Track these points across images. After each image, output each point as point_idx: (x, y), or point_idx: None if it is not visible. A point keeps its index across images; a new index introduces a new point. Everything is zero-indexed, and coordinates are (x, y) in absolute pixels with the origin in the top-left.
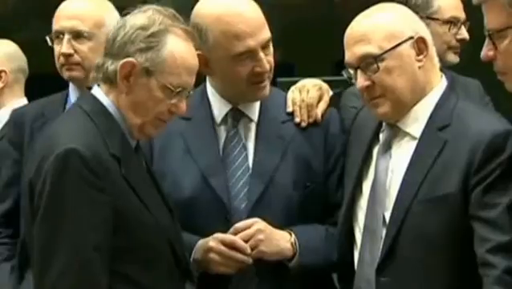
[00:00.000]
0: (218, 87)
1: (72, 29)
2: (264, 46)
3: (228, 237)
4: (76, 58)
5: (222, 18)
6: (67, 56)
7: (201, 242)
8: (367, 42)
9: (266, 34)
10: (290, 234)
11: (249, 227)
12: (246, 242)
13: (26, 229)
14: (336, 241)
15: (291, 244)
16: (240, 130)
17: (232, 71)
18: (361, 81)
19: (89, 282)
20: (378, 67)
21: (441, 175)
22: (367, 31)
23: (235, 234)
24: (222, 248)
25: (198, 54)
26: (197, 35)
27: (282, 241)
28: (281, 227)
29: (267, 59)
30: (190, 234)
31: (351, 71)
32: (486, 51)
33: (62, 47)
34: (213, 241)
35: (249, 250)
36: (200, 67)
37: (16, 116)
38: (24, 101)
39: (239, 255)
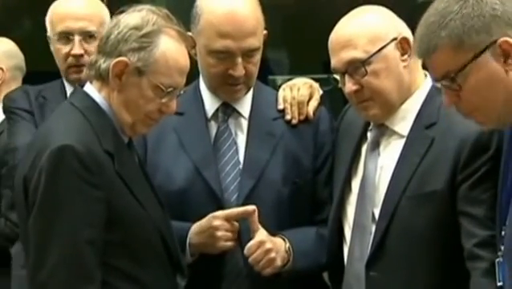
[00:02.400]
0: (204, 79)
1: (82, 30)
2: (246, 54)
3: (230, 212)
4: (86, 58)
5: (216, 12)
6: (78, 57)
7: (196, 226)
8: (352, 48)
9: (252, 43)
10: (284, 241)
11: (258, 247)
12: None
13: (21, 225)
14: (326, 241)
15: (286, 252)
16: (230, 125)
17: (207, 63)
18: (350, 86)
19: (83, 276)
20: (366, 71)
21: (429, 172)
22: (352, 36)
23: (249, 255)
24: (227, 225)
25: (189, 36)
26: (193, 15)
27: (282, 250)
28: (271, 224)
29: (247, 67)
30: (180, 222)
31: (337, 77)
32: (449, 99)
33: (74, 48)
34: (217, 220)
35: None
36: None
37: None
38: None
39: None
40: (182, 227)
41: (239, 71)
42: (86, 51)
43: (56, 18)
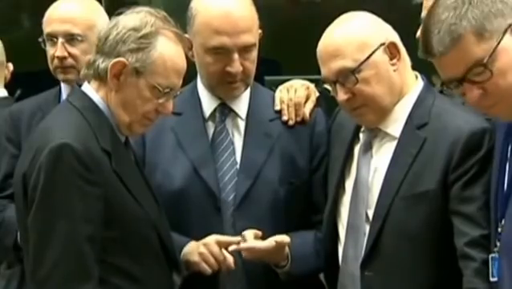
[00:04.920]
0: (202, 79)
1: (65, 32)
2: (243, 50)
3: (225, 239)
4: (70, 61)
5: (210, 10)
6: (62, 59)
7: (192, 243)
8: (341, 57)
9: (247, 39)
10: None
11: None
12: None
13: (20, 223)
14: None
15: (286, 255)
16: (227, 125)
17: (204, 62)
18: (341, 94)
19: (82, 272)
20: (357, 79)
21: (421, 172)
22: (339, 46)
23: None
24: (215, 248)
25: (187, 38)
26: (188, 17)
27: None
28: (267, 224)
29: (244, 64)
30: (179, 236)
31: (328, 86)
32: (475, 94)
33: (56, 51)
34: (210, 238)
35: (226, 260)
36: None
37: (13, 114)
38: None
39: (221, 258)
40: (179, 240)
41: (236, 67)
42: (70, 54)
43: (46, 19)
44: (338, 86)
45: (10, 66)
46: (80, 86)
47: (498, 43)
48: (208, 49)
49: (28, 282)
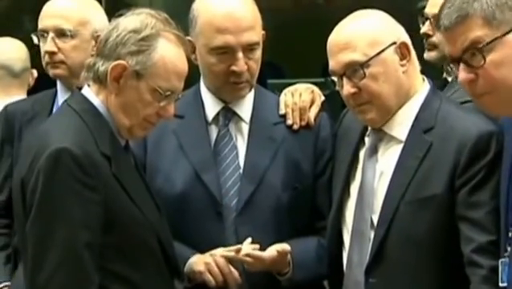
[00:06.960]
0: (206, 81)
1: (56, 27)
2: (247, 49)
3: (231, 254)
4: (60, 56)
5: (212, 10)
6: (51, 54)
7: (198, 254)
8: (352, 50)
9: (250, 37)
10: None
11: None
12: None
13: (18, 228)
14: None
15: (288, 263)
16: (231, 129)
17: (209, 62)
18: (348, 88)
19: (81, 279)
20: (364, 74)
21: (428, 177)
22: (351, 39)
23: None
24: (221, 258)
25: (188, 40)
26: (190, 19)
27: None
28: (270, 229)
29: (249, 63)
30: (184, 246)
31: (335, 79)
32: (466, 76)
33: (46, 45)
34: (217, 250)
35: (232, 273)
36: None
37: (7, 113)
38: (6, 101)
39: (226, 270)
40: (182, 252)
41: (241, 66)
42: (59, 49)
43: (40, 16)
44: (345, 79)
45: (35, 72)
46: (80, 89)
47: (503, 35)
48: (211, 49)
49: (27, 287)
